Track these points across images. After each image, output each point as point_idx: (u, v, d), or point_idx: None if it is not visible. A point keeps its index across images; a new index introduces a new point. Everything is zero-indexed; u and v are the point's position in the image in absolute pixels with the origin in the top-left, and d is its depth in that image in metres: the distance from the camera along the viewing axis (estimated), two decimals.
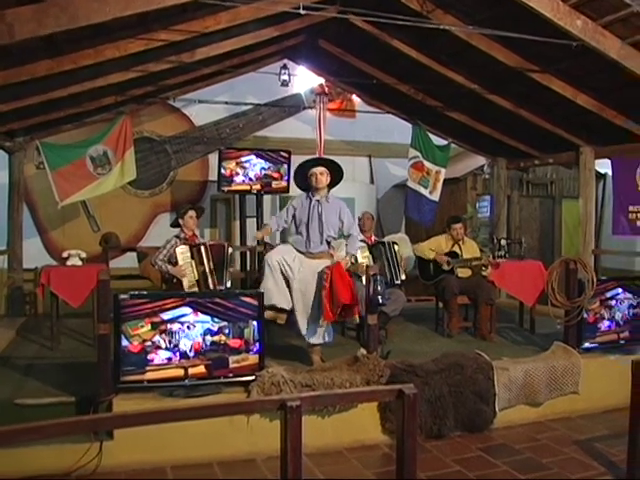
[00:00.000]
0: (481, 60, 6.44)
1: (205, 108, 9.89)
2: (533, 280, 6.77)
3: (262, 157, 8.77)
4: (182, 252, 5.95)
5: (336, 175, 5.58)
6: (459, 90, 7.37)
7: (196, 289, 5.87)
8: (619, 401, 5.35)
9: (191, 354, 4.45)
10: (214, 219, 10.62)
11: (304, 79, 10.12)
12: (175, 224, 6.36)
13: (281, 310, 5.34)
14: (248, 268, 8.09)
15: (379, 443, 4.74)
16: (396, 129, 10.40)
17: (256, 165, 8.73)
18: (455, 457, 4.48)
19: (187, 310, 4.44)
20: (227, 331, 4.52)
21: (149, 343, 4.37)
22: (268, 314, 5.15)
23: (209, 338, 4.48)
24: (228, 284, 6.21)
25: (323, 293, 5.17)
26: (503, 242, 7.16)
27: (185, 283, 5.88)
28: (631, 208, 7.16)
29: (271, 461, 4.14)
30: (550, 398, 5.27)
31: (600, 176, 10.29)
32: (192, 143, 10.40)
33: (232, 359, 4.54)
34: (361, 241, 6.59)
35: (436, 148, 8.96)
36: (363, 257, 6.42)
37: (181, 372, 4.44)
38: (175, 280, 5.97)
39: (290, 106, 10.53)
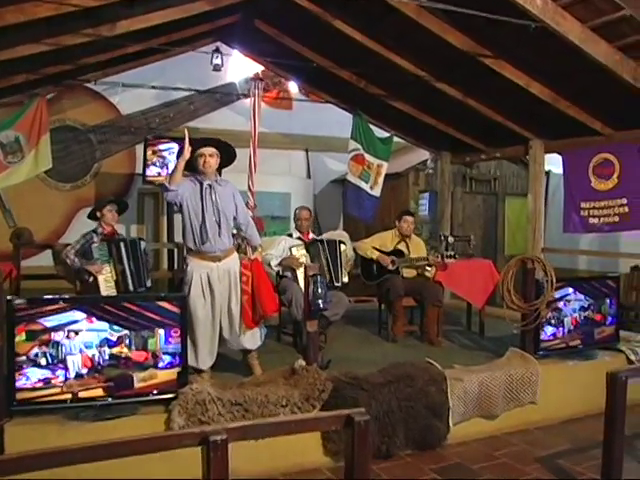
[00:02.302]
0: (430, 44, 5.93)
1: (133, 96, 9.33)
2: (483, 280, 6.36)
3: None
4: (99, 249, 5.31)
5: (225, 157, 4.74)
6: (405, 77, 6.86)
7: (114, 291, 5.25)
8: (577, 410, 5.08)
9: (83, 371, 3.62)
10: (141, 214, 9.97)
11: (239, 68, 9.60)
12: (92, 216, 5.70)
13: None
14: (175, 267, 7.50)
15: (320, 467, 4.16)
16: (336, 122, 9.90)
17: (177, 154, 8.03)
18: None
19: (79, 315, 3.59)
20: (128, 341, 3.70)
21: (22, 358, 3.48)
22: None
23: (107, 350, 3.66)
24: (148, 283, 5.60)
25: (244, 298, 4.60)
26: (451, 239, 6.73)
27: (101, 282, 5.23)
28: (583, 205, 6.81)
29: None
30: (507, 409, 4.82)
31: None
32: (118, 133, 9.83)
33: (138, 376, 3.75)
34: (297, 238, 6.08)
35: (378, 140, 8.47)
36: (299, 255, 5.86)
37: (68, 396, 3.61)
38: (91, 279, 5.33)
39: (224, 93, 9.95)
